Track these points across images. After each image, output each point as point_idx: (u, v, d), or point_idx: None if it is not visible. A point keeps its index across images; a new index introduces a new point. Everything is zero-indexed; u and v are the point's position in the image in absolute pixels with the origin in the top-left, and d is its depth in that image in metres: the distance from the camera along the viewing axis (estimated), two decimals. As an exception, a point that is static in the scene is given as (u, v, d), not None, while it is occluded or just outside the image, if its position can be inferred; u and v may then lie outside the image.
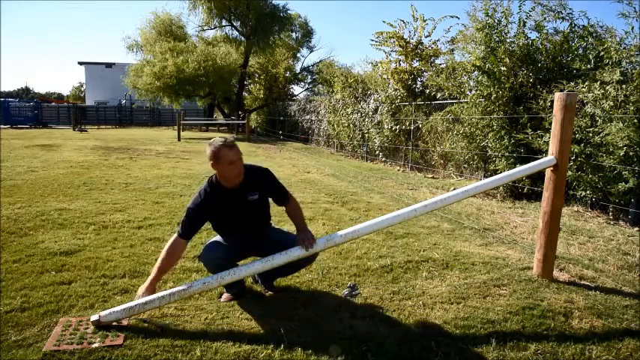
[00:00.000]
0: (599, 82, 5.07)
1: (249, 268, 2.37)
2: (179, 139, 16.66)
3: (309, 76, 29.25)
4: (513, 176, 2.87)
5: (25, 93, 67.61)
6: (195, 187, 6.33)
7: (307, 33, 27.58)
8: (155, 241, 3.63)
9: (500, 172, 4.46)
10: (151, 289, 2.32)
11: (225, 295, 2.60)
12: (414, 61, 10.41)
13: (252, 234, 2.64)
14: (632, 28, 5.23)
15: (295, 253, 2.38)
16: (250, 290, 2.69)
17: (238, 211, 2.52)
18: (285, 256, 2.37)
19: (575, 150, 5.17)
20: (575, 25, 6.16)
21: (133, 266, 3.03)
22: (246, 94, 29.22)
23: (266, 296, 2.63)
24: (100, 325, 2.17)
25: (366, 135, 11.91)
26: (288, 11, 23.96)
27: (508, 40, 6.51)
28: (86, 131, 21.43)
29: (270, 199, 2.68)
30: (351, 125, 12.77)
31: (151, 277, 2.36)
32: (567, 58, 6.19)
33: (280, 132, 20.44)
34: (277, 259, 2.36)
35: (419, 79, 10.33)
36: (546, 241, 2.91)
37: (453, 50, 9.91)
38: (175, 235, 2.43)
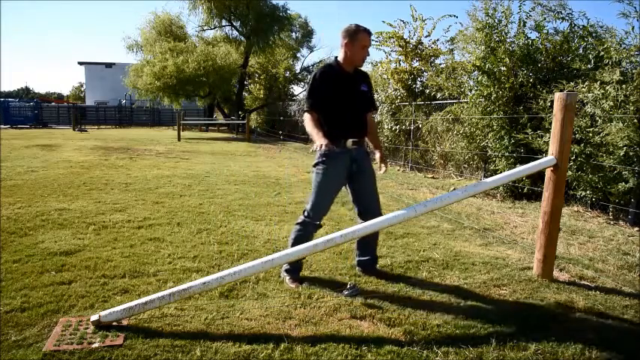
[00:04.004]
0: (599, 82, 5.07)
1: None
2: (179, 139, 16.66)
3: (309, 76, 29.21)
4: (513, 176, 2.87)
5: (25, 93, 67.64)
6: (196, 186, 6.34)
7: (307, 33, 27.55)
8: (155, 241, 3.63)
9: (500, 172, 4.46)
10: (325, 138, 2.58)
11: (291, 280, 2.79)
12: (414, 61, 10.39)
13: (357, 133, 2.82)
14: (633, 28, 5.23)
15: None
16: (252, 289, 2.69)
17: (350, 96, 2.77)
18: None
19: (575, 150, 5.16)
20: (575, 25, 6.16)
21: (133, 266, 3.03)
22: (246, 94, 29.22)
23: (266, 296, 2.63)
24: (100, 325, 2.17)
25: (366, 135, 11.88)
26: (288, 11, 23.95)
27: (508, 40, 6.51)
28: (86, 131, 21.44)
29: None
30: (351, 125, 12.73)
31: (318, 134, 2.61)
32: (567, 58, 6.19)
33: (280, 132, 20.43)
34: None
35: (419, 79, 10.32)
36: (546, 241, 2.91)
37: (452, 50, 9.91)
38: (306, 112, 2.77)
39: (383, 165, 2.95)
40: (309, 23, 27.50)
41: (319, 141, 2.53)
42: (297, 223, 2.83)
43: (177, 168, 8.50)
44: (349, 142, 2.75)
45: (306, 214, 2.80)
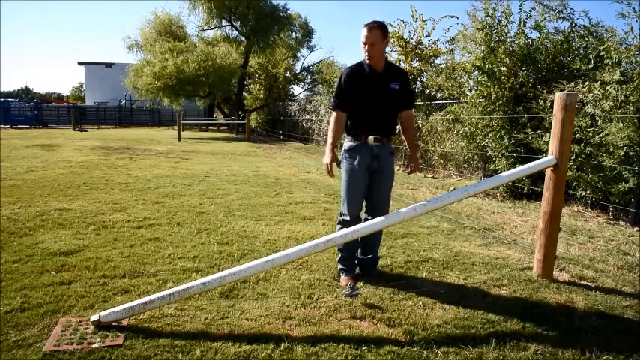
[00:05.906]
0: (599, 82, 5.07)
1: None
2: (179, 139, 16.66)
3: (309, 76, 29.19)
4: (513, 176, 2.87)
5: (25, 93, 67.66)
6: (196, 186, 6.34)
7: (307, 33, 27.49)
8: (155, 241, 3.63)
9: (500, 172, 4.46)
10: (334, 154, 2.73)
11: (345, 278, 2.83)
12: (414, 61, 10.40)
13: (381, 131, 2.78)
14: (632, 28, 5.23)
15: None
16: (252, 289, 2.69)
17: (375, 94, 2.74)
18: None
19: (575, 150, 5.16)
20: (575, 24, 6.16)
21: (133, 266, 3.03)
22: (246, 94, 29.20)
23: (266, 296, 2.63)
24: (100, 325, 2.17)
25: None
26: (288, 11, 23.93)
27: (508, 40, 6.51)
28: (86, 131, 21.43)
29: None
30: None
31: (329, 145, 2.73)
32: (567, 58, 6.19)
33: (280, 132, 20.43)
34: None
35: (419, 79, 10.32)
36: (546, 241, 2.91)
37: (452, 50, 9.91)
38: (333, 112, 2.80)
39: (412, 165, 2.94)
40: (309, 23, 27.43)
41: (325, 158, 2.72)
42: (337, 224, 2.91)
43: (178, 168, 8.49)
44: (370, 138, 2.75)
45: (340, 211, 2.92)
